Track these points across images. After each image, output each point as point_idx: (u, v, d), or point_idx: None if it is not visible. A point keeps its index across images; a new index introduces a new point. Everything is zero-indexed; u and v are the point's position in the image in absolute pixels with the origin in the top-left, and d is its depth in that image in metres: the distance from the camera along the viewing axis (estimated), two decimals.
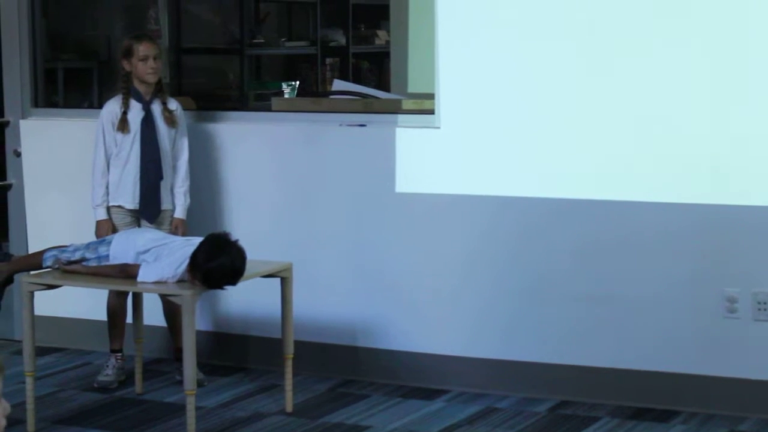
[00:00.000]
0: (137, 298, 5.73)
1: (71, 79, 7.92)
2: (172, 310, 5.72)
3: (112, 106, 5.80)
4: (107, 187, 5.76)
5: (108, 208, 5.78)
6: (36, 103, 6.72)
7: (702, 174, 5.30)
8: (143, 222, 5.78)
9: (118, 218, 5.78)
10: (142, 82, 5.75)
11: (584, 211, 5.49)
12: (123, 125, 5.74)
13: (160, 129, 5.78)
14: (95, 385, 5.82)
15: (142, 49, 5.73)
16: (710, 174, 5.29)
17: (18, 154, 6.65)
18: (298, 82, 7.97)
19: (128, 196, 5.77)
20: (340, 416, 5.44)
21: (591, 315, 5.51)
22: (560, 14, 5.47)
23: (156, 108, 5.79)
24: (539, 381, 5.62)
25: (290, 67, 9.54)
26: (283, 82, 8.11)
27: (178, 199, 5.84)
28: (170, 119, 5.80)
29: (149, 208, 5.78)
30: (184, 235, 5.70)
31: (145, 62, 5.71)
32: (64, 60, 7.86)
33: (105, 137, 5.77)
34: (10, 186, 6.70)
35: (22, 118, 6.67)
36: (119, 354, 5.87)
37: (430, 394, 5.70)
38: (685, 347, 5.37)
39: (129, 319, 5.86)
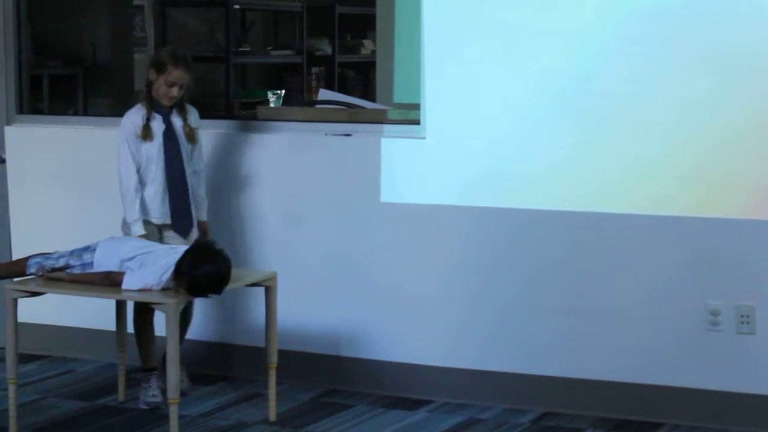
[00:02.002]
0: (120, 306, 5.72)
1: (56, 86, 7.92)
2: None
3: (133, 117, 5.64)
4: (141, 202, 5.60)
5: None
6: (21, 110, 6.71)
7: (685, 186, 5.32)
8: (170, 236, 5.66)
9: (148, 230, 5.62)
10: (158, 96, 5.63)
11: (567, 223, 5.51)
12: (147, 132, 5.60)
13: (181, 143, 5.66)
14: (143, 406, 5.66)
15: (175, 75, 5.55)
16: (694, 186, 5.31)
17: (2, 161, 6.65)
18: (283, 91, 7.97)
19: (155, 211, 5.65)
20: (324, 426, 5.44)
21: (574, 326, 5.53)
22: (547, 24, 5.48)
23: (176, 121, 5.67)
24: (522, 392, 5.63)
25: (276, 76, 9.55)
26: (268, 91, 8.12)
27: (200, 203, 5.78)
28: (191, 135, 5.69)
29: (182, 223, 5.67)
30: (207, 235, 5.69)
31: (170, 87, 5.57)
32: (50, 66, 7.86)
33: (131, 148, 5.60)
34: None
35: (7, 124, 6.66)
36: (155, 371, 5.72)
37: (413, 405, 5.70)
38: (668, 359, 5.38)
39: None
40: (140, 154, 5.62)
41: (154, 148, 5.62)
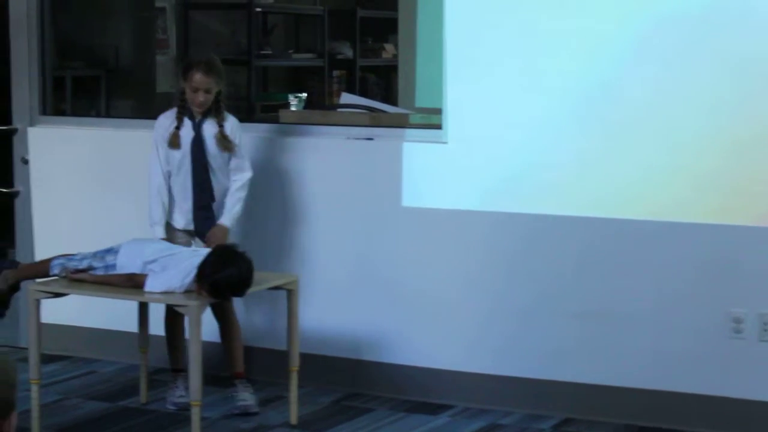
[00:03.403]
0: (143, 308, 5.73)
1: (79, 87, 7.94)
2: (226, 333, 5.70)
3: (165, 121, 5.62)
4: (164, 205, 5.58)
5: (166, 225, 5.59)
6: (44, 111, 6.72)
7: (704, 192, 5.30)
8: (199, 242, 5.62)
9: (171, 235, 5.60)
10: (189, 102, 5.58)
11: (587, 228, 5.49)
12: (174, 140, 5.56)
13: (209, 150, 5.58)
14: (170, 407, 5.67)
15: (195, 80, 5.50)
16: (712, 192, 5.28)
17: (25, 162, 6.66)
18: (306, 95, 7.98)
19: (180, 217, 5.63)
20: (344, 429, 5.43)
21: (594, 332, 5.51)
22: (568, 30, 5.47)
23: (208, 129, 5.59)
24: (543, 398, 5.62)
25: (297, 79, 9.56)
26: (290, 94, 8.13)
27: (227, 207, 5.62)
28: (224, 144, 5.59)
29: (204, 232, 5.62)
30: (221, 241, 5.54)
31: (195, 93, 5.52)
32: (73, 68, 7.88)
33: (159, 152, 5.58)
34: (17, 193, 6.70)
35: (30, 125, 6.67)
36: (184, 372, 5.67)
37: (434, 409, 5.69)
38: (690, 367, 5.36)
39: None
40: (169, 159, 5.60)
41: (181, 156, 5.59)
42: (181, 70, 5.62)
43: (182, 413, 5.52)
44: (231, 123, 5.66)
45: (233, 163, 5.64)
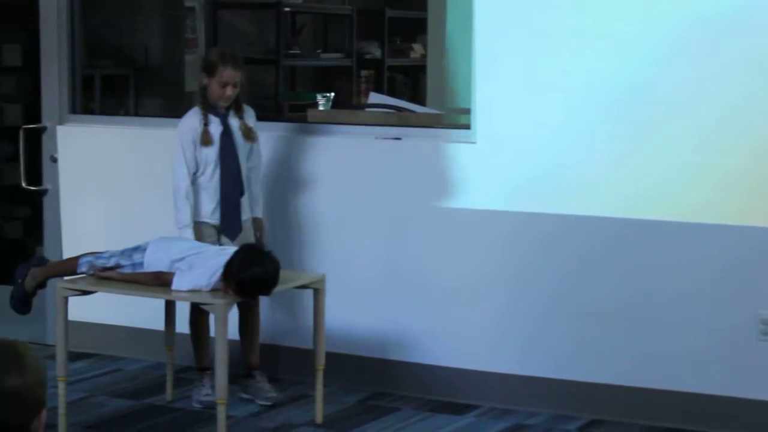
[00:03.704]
0: (169, 306, 5.74)
1: (108, 86, 7.96)
2: (247, 326, 5.74)
3: (191, 122, 5.60)
4: (191, 207, 5.57)
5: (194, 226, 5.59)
6: (73, 110, 6.74)
7: (734, 194, 5.27)
8: (224, 239, 5.63)
9: (201, 232, 5.60)
10: (213, 99, 5.60)
11: (617, 229, 5.47)
12: (206, 138, 5.55)
13: (238, 143, 5.63)
14: (196, 405, 5.69)
15: (226, 74, 5.51)
16: (742, 194, 5.26)
17: (54, 160, 6.68)
18: (333, 94, 7.98)
19: (212, 213, 5.63)
20: (370, 429, 5.43)
21: (622, 333, 5.48)
22: (597, 30, 5.45)
23: (233, 122, 5.63)
24: (570, 398, 5.60)
25: (325, 79, 9.56)
26: (318, 94, 8.13)
27: (255, 199, 5.74)
28: (248, 134, 5.64)
29: (231, 226, 5.64)
30: (265, 233, 5.70)
31: (223, 88, 5.53)
32: (102, 67, 7.90)
33: (186, 155, 5.56)
34: (46, 191, 6.73)
35: (59, 124, 6.69)
36: (210, 371, 5.69)
37: (460, 409, 5.68)
38: (717, 369, 5.33)
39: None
40: (198, 158, 5.59)
41: (213, 152, 5.60)
42: (205, 65, 5.62)
43: (208, 411, 5.53)
44: (251, 113, 5.72)
45: (253, 151, 5.72)
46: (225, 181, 5.62)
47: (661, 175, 5.38)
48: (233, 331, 5.53)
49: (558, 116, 5.55)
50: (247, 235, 5.69)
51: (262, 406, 5.71)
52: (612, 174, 5.47)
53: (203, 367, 5.75)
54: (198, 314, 5.64)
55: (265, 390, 5.77)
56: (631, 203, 5.45)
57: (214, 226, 5.65)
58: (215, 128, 5.60)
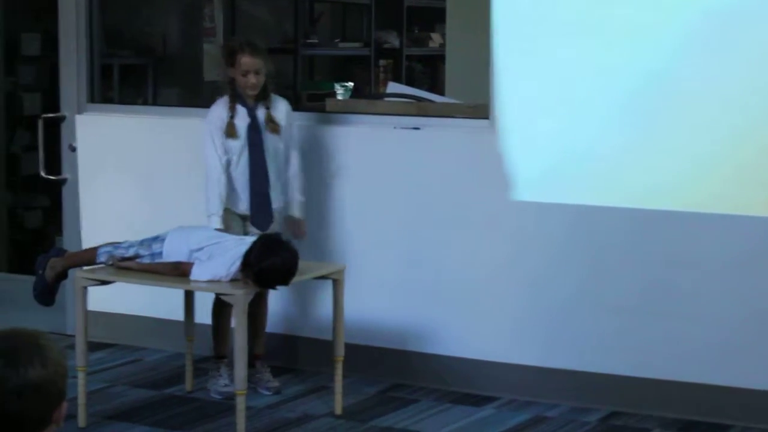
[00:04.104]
0: (189, 296, 5.73)
1: (127, 75, 7.96)
2: (254, 317, 5.72)
3: (219, 111, 5.58)
4: (221, 196, 5.54)
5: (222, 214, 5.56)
6: (92, 99, 6.74)
7: (759, 184, 5.23)
8: (252, 229, 5.59)
9: (227, 220, 5.56)
10: (239, 87, 5.57)
11: (635, 220, 5.44)
12: (231, 130, 5.54)
13: (266, 135, 5.59)
14: (215, 396, 5.69)
15: (244, 62, 5.50)
16: (761, 185, 5.22)
17: (73, 149, 6.68)
18: (352, 84, 7.97)
19: (238, 203, 5.61)
20: (389, 420, 5.42)
21: (642, 325, 5.46)
22: (621, 16, 5.42)
23: (261, 114, 5.60)
24: (590, 390, 5.58)
25: (343, 68, 9.54)
26: (336, 83, 8.11)
27: (291, 198, 5.67)
28: (273, 127, 5.59)
29: (261, 217, 5.61)
30: (304, 233, 5.66)
31: (245, 77, 5.51)
32: (120, 56, 7.90)
33: (216, 143, 5.54)
34: (65, 180, 6.73)
35: (78, 113, 6.69)
36: (225, 359, 5.73)
37: (479, 401, 5.67)
38: (738, 360, 5.30)
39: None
40: (226, 149, 5.57)
41: (239, 143, 5.58)
42: (224, 56, 5.60)
43: (227, 402, 5.52)
44: (283, 106, 5.67)
45: (286, 145, 5.66)
46: (253, 173, 5.59)
47: (682, 165, 5.35)
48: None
49: (577, 106, 5.52)
50: (279, 226, 5.67)
51: (268, 395, 5.72)
52: (632, 164, 5.44)
53: (220, 356, 5.76)
54: (221, 304, 5.64)
55: (266, 380, 5.78)
56: (651, 194, 5.42)
57: (241, 216, 5.63)
58: (242, 120, 5.58)
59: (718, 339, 5.33)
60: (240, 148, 5.57)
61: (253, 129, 5.59)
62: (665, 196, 5.39)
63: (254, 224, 5.62)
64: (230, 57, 5.55)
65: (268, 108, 5.61)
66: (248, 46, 5.53)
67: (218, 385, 5.72)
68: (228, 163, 5.58)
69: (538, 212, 5.63)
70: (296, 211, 5.71)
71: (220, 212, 5.52)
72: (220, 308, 5.69)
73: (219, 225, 5.49)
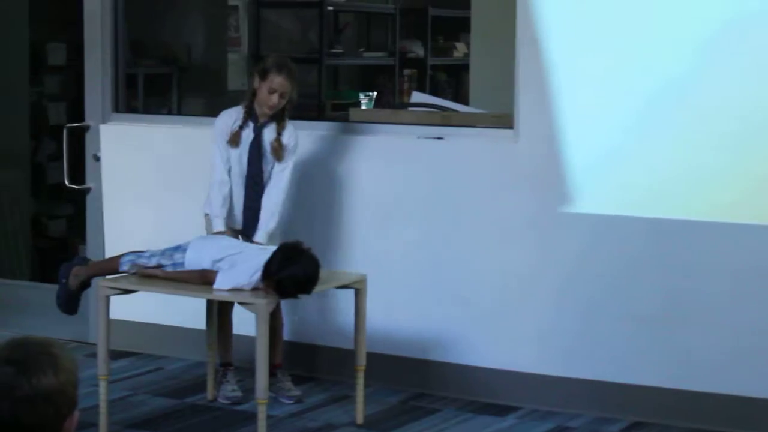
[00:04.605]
0: (211, 305, 5.73)
1: (151, 85, 7.98)
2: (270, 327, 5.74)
3: (226, 118, 5.60)
4: (224, 198, 5.57)
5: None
6: (116, 108, 6.74)
7: None
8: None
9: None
10: (259, 104, 5.59)
11: (660, 229, 5.41)
12: (234, 139, 5.56)
13: (266, 155, 5.59)
14: (223, 401, 5.71)
15: (277, 82, 5.49)
16: None
17: (97, 159, 6.68)
18: (375, 93, 7.97)
19: (232, 217, 5.63)
20: (411, 429, 5.41)
21: (665, 334, 5.42)
22: (641, 27, 5.40)
23: (267, 134, 5.59)
24: (612, 400, 5.54)
25: (368, 78, 9.54)
26: (360, 93, 8.10)
27: (261, 222, 5.58)
28: (277, 151, 5.57)
29: (253, 233, 5.59)
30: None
31: (271, 95, 5.50)
32: (145, 66, 7.92)
33: (220, 147, 5.58)
34: (89, 190, 6.74)
35: (102, 122, 6.69)
36: (231, 367, 5.77)
37: (501, 411, 5.64)
38: (763, 370, 5.26)
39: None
40: (227, 155, 5.60)
41: (238, 156, 5.59)
42: (261, 69, 5.58)
43: (249, 410, 5.51)
44: (290, 131, 5.64)
45: (278, 167, 5.62)
46: (247, 187, 5.61)
47: (706, 174, 5.33)
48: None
49: (600, 116, 5.50)
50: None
51: (290, 404, 5.72)
52: (655, 173, 5.41)
53: (225, 363, 5.78)
54: (223, 311, 5.65)
55: (287, 389, 5.78)
56: (674, 203, 5.39)
57: (233, 230, 5.62)
58: (247, 134, 5.59)
59: (741, 348, 5.30)
60: (235, 159, 5.58)
61: (255, 147, 5.59)
62: (691, 205, 5.36)
63: (244, 236, 5.59)
64: (265, 71, 5.54)
65: (280, 133, 5.60)
66: (285, 68, 5.54)
67: (226, 390, 5.74)
68: (229, 169, 5.61)
69: (561, 222, 5.60)
70: (260, 236, 5.57)
71: (224, 214, 5.56)
72: (222, 315, 5.69)
73: (222, 227, 5.53)
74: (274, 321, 5.72)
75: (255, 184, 5.61)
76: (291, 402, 5.73)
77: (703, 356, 5.37)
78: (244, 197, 5.62)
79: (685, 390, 5.41)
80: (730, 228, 5.27)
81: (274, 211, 5.60)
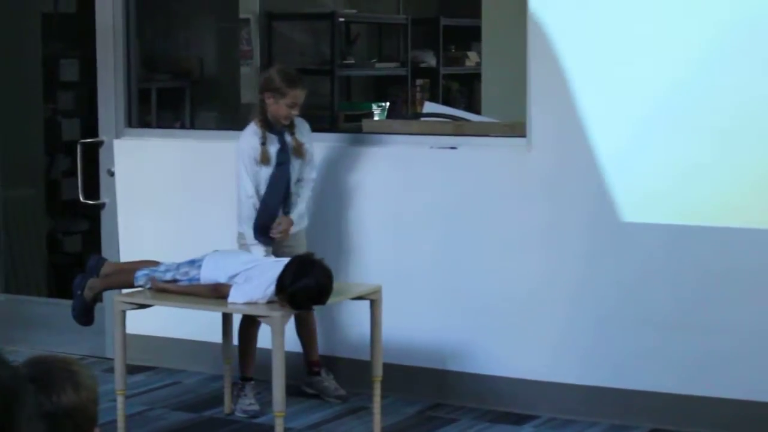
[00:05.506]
0: (227, 319, 5.75)
1: (164, 99, 8.01)
2: (303, 325, 5.81)
3: (250, 140, 5.62)
4: (255, 213, 5.62)
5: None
6: (130, 123, 6.77)
7: None
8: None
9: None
10: (276, 119, 5.63)
11: (679, 237, 5.41)
12: (265, 157, 5.60)
13: (292, 160, 5.67)
14: (240, 414, 5.74)
15: (295, 95, 5.55)
16: None
17: (111, 174, 6.71)
18: (388, 104, 7.99)
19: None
20: None
21: (684, 341, 5.42)
22: (657, 32, 5.40)
23: (288, 139, 5.66)
24: (630, 408, 5.54)
25: (380, 89, 9.56)
26: (373, 103, 8.13)
27: (294, 202, 5.72)
28: (299, 151, 5.67)
29: (265, 240, 5.67)
30: (286, 232, 5.65)
31: (291, 108, 5.56)
32: (158, 80, 7.95)
33: (249, 172, 5.59)
34: (103, 205, 6.77)
35: (116, 137, 6.72)
36: (251, 380, 5.79)
37: (518, 420, 5.65)
38: None
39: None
40: (257, 176, 5.63)
41: (269, 170, 5.64)
42: (269, 87, 5.60)
43: (267, 423, 5.53)
44: (305, 127, 5.73)
45: (306, 164, 5.73)
46: (271, 196, 5.65)
47: (721, 181, 5.32)
48: (288, 343, 5.53)
49: (614, 122, 5.51)
50: (300, 246, 5.73)
51: (338, 403, 5.86)
52: (669, 179, 5.41)
53: (246, 377, 5.80)
54: (248, 323, 5.67)
55: (333, 388, 5.90)
56: (690, 208, 5.39)
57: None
58: (273, 147, 5.64)
59: (760, 354, 5.29)
60: (266, 175, 5.64)
61: (283, 153, 5.65)
62: (706, 212, 5.35)
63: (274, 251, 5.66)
64: (280, 88, 5.55)
65: (293, 133, 5.66)
66: (298, 80, 5.62)
67: (243, 403, 5.76)
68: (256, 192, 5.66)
69: (576, 229, 5.61)
70: (295, 215, 5.71)
71: (256, 228, 5.60)
72: (247, 329, 5.72)
73: (264, 253, 5.55)
74: (308, 319, 5.78)
75: (286, 191, 5.66)
76: (339, 402, 5.85)
77: (721, 362, 5.37)
78: (263, 203, 5.64)
79: (704, 396, 5.40)
80: (747, 233, 5.27)
81: (306, 197, 5.75)
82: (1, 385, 2.05)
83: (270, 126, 5.63)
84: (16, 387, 2.08)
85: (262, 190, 5.65)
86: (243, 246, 5.67)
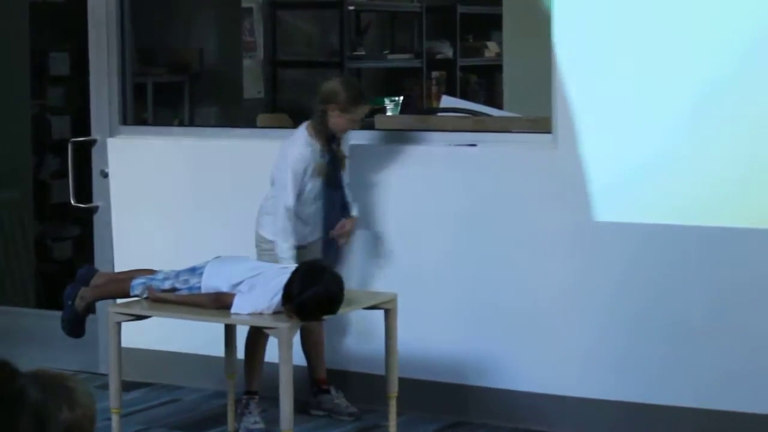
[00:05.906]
0: (230, 330, 5.74)
1: (161, 94, 8.01)
2: (309, 337, 5.81)
3: (304, 151, 5.67)
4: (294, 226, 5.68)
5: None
6: (124, 121, 6.76)
7: None
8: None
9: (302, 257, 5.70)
10: (332, 129, 5.71)
11: (712, 239, 5.40)
12: (321, 170, 5.69)
13: (340, 170, 5.78)
14: None
15: (362, 112, 5.72)
16: None
17: (105, 175, 6.70)
18: (401, 98, 7.99)
19: (302, 236, 5.74)
20: None
21: (719, 352, 5.40)
22: (685, 28, 5.39)
23: (335, 150, 5.76)
24: (661, 424, 5.53)
25: (393, 82, 9.56)
26: (385, 98, 8.13)
27: (351, 204, 5.85)
28: (343, 163, 5.78)
29: (332, 253, 5.80)
30: (349, 233, 5.78)
31: (354, 123, 5.71)
32: (154, 74, 7.95)
33: (297, 184, 5.65)
34: (96, 209, 6.76)
35: (110, 136, 6.72)
36: (256, 396, 5.81)
37: None
38: None
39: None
40: (305, 186, 5.68)
41: (320, 182, 5.71)
42: (338, 101, 5.65)
43: None
44: (349, 139, 5.85)
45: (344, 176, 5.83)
46: (329, 208, 5.75)
47: (756, 181, 5.31)
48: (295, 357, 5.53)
49: (646, 119, 5.49)
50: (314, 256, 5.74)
51: (350, 421, 5.87)
52: (702, 180, 5.40)
53: (251, 391, 5.80)
54: (256, 334, 5.67)
55: (344, 405, 5.91)
56: (724, 210, 5.38)
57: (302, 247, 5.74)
58: (322, 158, 5.72)
59: None
60: (318, 186, 5.71)
61: (334, 166, 5.75)
62: (740, 213, 5.35)
63: (326, 257, 5.71)
64: (356, 103, 5.66)
65: (339, 145, 5.75)
66: (367, 99, 5.84)
67: (248, 422, 5.76)
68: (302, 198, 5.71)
69: (605, 233, 5.60)
70: (353, 212, 5.83)
71: (294, 252, 5.63)
72: (255, 340, 5.72)
73: (295, 264, 5.54)
74: (314, 332, 5.77)
75: (336, 202, 5.76)
76: (351, 419, 5.85)
77: (756, 375, 5.35)
78: (324, 218, 5.75)
79: (738, 412, 5.38)
80: None
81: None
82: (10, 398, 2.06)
83: (323, 136, 5.68)
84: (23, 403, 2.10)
85: (310, 200, 5.71)
86: (262, 250, 5.67)
